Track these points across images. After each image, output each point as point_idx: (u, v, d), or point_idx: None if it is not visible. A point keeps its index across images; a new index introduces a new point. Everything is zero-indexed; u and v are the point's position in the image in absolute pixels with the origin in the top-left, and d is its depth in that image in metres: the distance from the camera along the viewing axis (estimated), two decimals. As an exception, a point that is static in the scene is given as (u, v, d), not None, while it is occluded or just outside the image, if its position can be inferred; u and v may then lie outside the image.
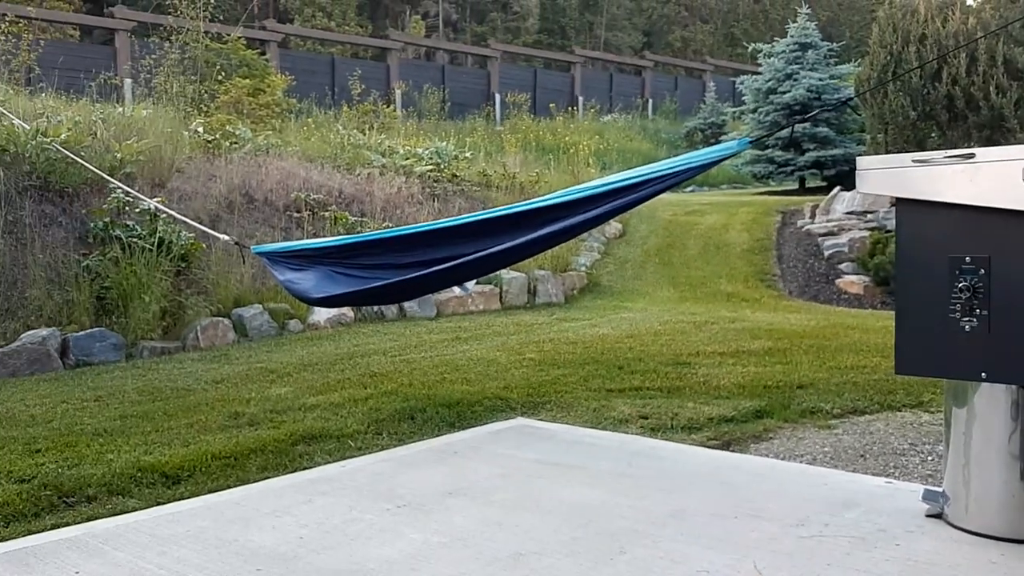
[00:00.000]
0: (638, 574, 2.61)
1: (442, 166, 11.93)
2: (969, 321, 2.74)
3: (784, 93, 16.49)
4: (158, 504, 3.47)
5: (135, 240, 7.52)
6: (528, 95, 24.03)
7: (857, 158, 3.07)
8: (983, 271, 2.71)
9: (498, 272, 9.44)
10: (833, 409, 4.78)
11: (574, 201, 4.06)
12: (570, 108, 23.98)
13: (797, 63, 16.91)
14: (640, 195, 3.93)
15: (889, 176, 2.91)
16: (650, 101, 27.80)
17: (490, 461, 3.86)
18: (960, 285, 2.74)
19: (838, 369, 5.72)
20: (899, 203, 2.91)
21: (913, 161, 2.84)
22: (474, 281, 9.28)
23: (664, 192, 4.05)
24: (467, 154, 13.09)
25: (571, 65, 27.68)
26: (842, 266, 10.56)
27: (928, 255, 2.84)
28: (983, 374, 2.73)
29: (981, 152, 2.70)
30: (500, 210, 4.37)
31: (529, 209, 4.21)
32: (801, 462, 3.92)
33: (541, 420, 4.70)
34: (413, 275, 4.40)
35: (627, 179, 3.94)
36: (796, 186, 16.93)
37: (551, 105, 22.96)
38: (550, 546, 2.83)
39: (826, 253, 10.88)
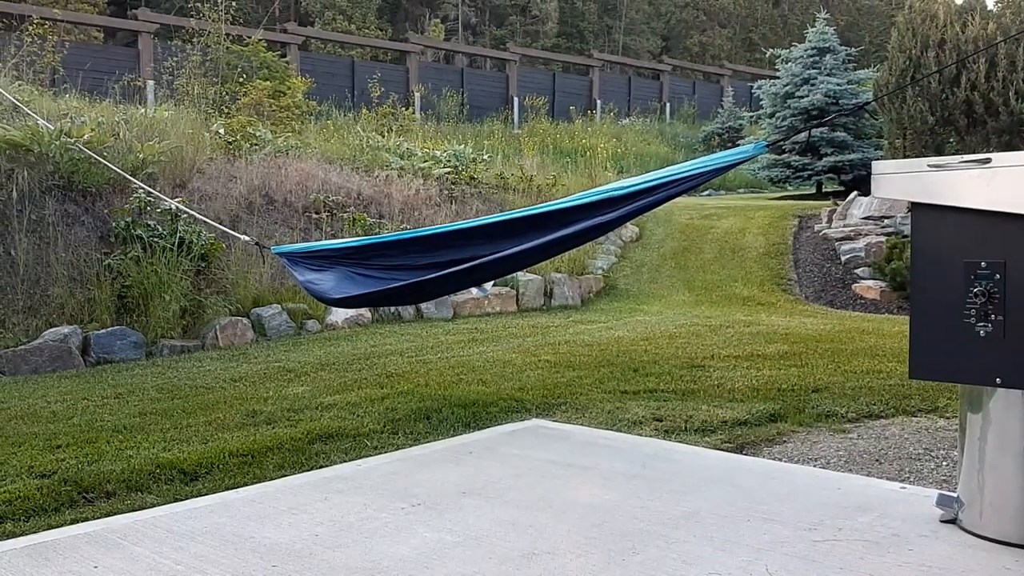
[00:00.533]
0: (650, 575, 2.63)
1: (460, 169, 11.98)
2: (984, 326, 2.74)
3: (802, 98, 16.43)
4: (176, 500, 3.52)
5: (156, 240, 7.61)
6: (546, 98, 24.06)
7: (873, 162, 3.06)
8: (998, 276, 2.71)
9: (515, 274, 9.48)
10: (848, 413, 4.77)
11: (591, 204, 4.08)
12: (588, 112, 24.00)
13: (815, 68, 16.85)
14: (657, 198, 3.95)
15: (905, 180, 2.91)
16: (668, 105, 27.79)
17: (505, 461, 3.89)
18: (975, 290, 2.74)
19: (853, 373, 5.70)
20: (915, 208, 2.91)
21: (929, 166, 2.84)
22: (491, 283, 9.31)
23: (681, 195, 4.06)
24: (485, 157, 13.13)
25: (589, 69, 27.69)
26: (859, 271, 10.51)
27: (943, 260, 2.83)
28: (998, 379, 2.72)
29: (997, 157, 2.70)
30: (518, 212, 4.41)
31: (547, 212, 4.24)
32: (815, 466, 3.92)
33: (556, 421, 4.72)
34: (431, 276, 4.44)
35: (644, 182, 3.96)
36: (813, 191, 16.87)
37: (570, 108, 23.00)
38: (563, 546, 2.85)
39: (843, 258, 10.83)
